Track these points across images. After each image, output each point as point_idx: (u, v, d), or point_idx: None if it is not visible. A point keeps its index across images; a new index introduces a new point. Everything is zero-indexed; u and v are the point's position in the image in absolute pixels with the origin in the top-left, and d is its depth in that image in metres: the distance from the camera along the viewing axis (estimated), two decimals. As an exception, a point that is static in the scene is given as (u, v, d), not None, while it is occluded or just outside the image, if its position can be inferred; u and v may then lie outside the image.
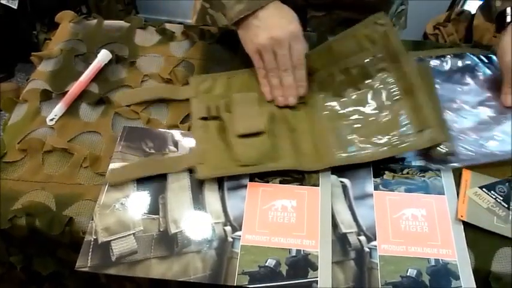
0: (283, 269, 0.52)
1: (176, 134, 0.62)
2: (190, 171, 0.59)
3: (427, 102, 0.59)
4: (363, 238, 0.54)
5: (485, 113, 0.66)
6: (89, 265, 0.51)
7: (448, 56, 0.71)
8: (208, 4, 0.86)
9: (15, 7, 1.67)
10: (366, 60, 0.64)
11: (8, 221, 0.54)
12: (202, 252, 0.52)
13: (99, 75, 0.69)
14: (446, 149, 0.58)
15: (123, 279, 0.60)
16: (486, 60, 0.72)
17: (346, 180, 0.58)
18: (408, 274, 0.51)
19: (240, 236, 0.54)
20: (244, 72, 0.69)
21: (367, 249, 0.53)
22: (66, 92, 0.66)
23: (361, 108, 0.63)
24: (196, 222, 0.55)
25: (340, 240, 0.54)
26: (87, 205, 0.56)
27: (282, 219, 0.55)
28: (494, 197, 0.57)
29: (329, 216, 0.55)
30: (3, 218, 0.54)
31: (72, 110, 0.65)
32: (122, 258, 0.52)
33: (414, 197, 0.58)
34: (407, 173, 0.60)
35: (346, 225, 0.55)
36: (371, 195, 0.57)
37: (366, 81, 0.64)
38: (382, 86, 0.63)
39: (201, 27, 0.77)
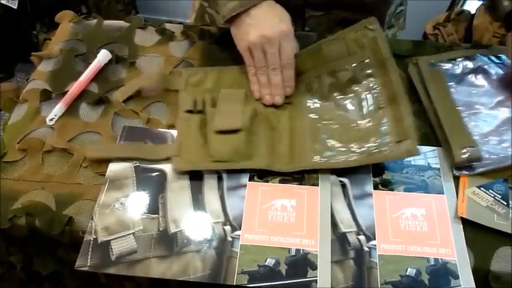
0: (283, 268, 0.52)
1: (176, 133, 0.62)
2: (191, 171, 0.59)
3: (409, 113, 0.58)
4: (362, 237, 0.54)
5: (504, 113, 0.65)
6: (88, 264, 0.51)
7: (459, 59, 0.71)
8: (206, 3, 0.86)
9: (15, 7, 1.67)
10: (353, 65, 0.64)
11: (8, 220, 0.54)
12: (201, 251, 0.52)
13: (99, 75, 0.69)
14: (471, 155, 0.58)
15: (122, 279, 0.60)
16: (497, 60, 0.72)
17: (345, 180, 0.59)
18: (407, 273, 0.52)
19: (239, 236, 0.54)
20: (235, 69, 0.70)
21: (366, 249, 0.53)
22: (66, 92, 0.66)
23: (344, 114, 0.63)
24: (195, 222, 0.55)
25: (340, 239, 0.54)
26: (87, 205, 0.56)
27: (282, 218, 0.55)
28: (492, 195, 0.57)
29: (328, 215, 0.56)
30: (3, 218, 0.54)
31: (72, 109, 0.65)
32: (122, 257, 0.52)
33: (414, 197, 0.58)
34: (407, 173, 0.60)
35: (346, 224, 0.55)
36: (370, 194, 0.58)
37: (352, 86, 0.64)
38: (367, 92, 0.63)
39: (201, 27, 0.77)
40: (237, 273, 0.51)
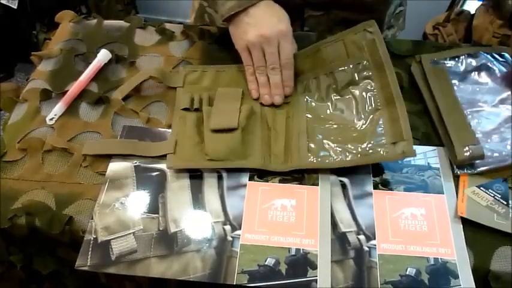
0: (283, 268, 0.52)
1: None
2: (191, 171, 0.59)
3: (405, 115, 0.58)
4: (362, 237, 0.54)
5: (507, 111, 0.65)
6: (88, 264, 0.51)
7: (462, 56, 0.71)
8: (206, 3, 0.86)
9: (15, 7, 1.67)
10: (351, 66, 0.64)
11: (8, 220, 0.54)
12: (201, 251, 0.52)
13: (99, 75, 0.69)
14: (473, 153, 0.58)
15: (122, 278, 0.60)
16: (500, 58, 0.72)
17: (345, 180, 0.59)
18: (407, 273, 0.52)
19: (239, 235, 0.54)
20: (233, 68, 0.70)
21: (366, 248, 0.53)
22: (66, 91, 0.66)
23: (341, 114, 0.63)
24: (195, 222, 0.55)
25: (340, 239, 0.54)
26: (87, 204, 0.56)
27: (282, 218, 0.55)
28: (492, 195, 0.57)
29: (328, 215, 0.56)
30: (3, 217, 0.54)
31: (72, 109, 0.65)
32: (122, 257, 0.52)
33: (413, 196, 0.58)
34: (407, 172, 0.60)
35: (346, 224, 0.55)
36: (370, 194, 0.58)
37: (349, 88, 0.64)
38: (364, 93, 0.63)
39: (201, 27, 0.77)
40: (237, 273, 0.51)
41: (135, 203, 0.56)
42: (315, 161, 0.59)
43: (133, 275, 0.51)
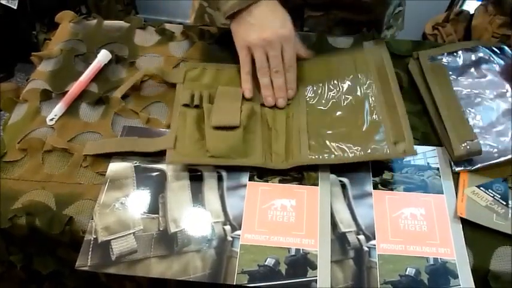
0: (283, 268, 0.52)
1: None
2: (191, 171, 0.59)
3: (406, 118, 0.60)
4: (362, 237, 0.54)
5: (505, 105, 0.65)
6: (88, 264, 0.51)
7: (460, 51, 0.71)
8: (206, 3, 0.86)
9: (15, 7, 1.67)
10: (358, 76, 0.67)
11: (8, 220, 0.54)
12: (201, 251, 0.53)
13: (99, 75, 0.70)
14: (471, 149, 0.58)
15: (122, 279, 0.60)
16: (498, 51, 0.71)
17: (345, 180, 0.59)
18: (407, 273, 0.52)
19: (239, 235, 0.54)
20: (234, 68, 0.70)
21: (366, 248, 0.53)
22: (66, 91, 0.66)
23: (342, 114, 0.64)
24: (195, 222, 0.55)
25: (340, 239, 0.54)
26: (87, 204, 0.56)
27: (282, 218, 0.55)
28: (492, 195, 0.57)
29: (328, 215, 0.56)
30: (4, 217, 0.54)
31: (72, 109, 0.65)
32: (122, 257, 0.52)
33: (413, 196, 0.58)
34: (406, 172, 0.60)
35: (346, 224, 0.55)
36: (370, 194, 0.58)
37: (352, 93, 0.66)
38: (366, 95, 0.64)
39: (201, 27, 0.77)
40: (237, 273, 0.51)
41: (135, 203, 0.56)
42: (315, 157, 0.59)
43: (133, 275, 0.51)
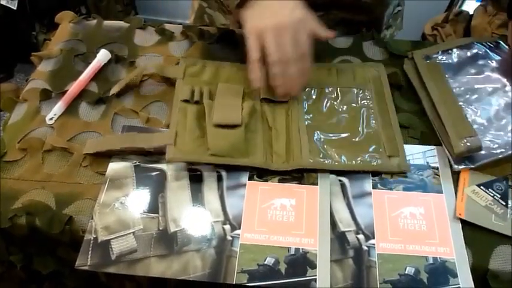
0: (282, 267, 0.52)
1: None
2: (190, 170, 0.59)
3: (400, 137, 0.62)
4: (361, 236, 0.54)
5: (503, 100, 0.65)
6: (88, 264, 0.51)
7: (455, 49, 0.71)
8: (206, 3, 0.86)
9: (15, 8, 1.67)
10: (355, 89, 0.68)
11: (8, 220, 0.54)
12: (201, 250, 0.53)
13: (99, 75, 0.70)
14: (471, 145, 0.58)
15: (122, 278, 0.60)
16: (494, 47, 0.71)
17: (344, 179, 0.59)
18: (406, 272, 0.52)
19: (239, 235, 0.54)
20: (233, 66, 0.70)
21: (365, 248, 0.53)
22: (66, 91, 0.66)
23: (340, 122, 0.64)
24: (195, 221, 0.55)
25: (339, 238, 0.54)
26: (87, 204, 0.56)
27: (281, 217, 0.56)
28: (492, 194, 0.57)
29: (328, 214, 0.56)
30: (4, 217, 0.54)
31: (71, 109, 0.65)
32: (122, 256, 0.52)
33: (412, 196, 0.58)
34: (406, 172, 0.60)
35: (345, 223, 0.55)
36: (369, 193, 0.58)
37: (351, 104, 0.66)
38: (362, 112, 0.65)
39: (200, 27, 0.77)
40: (237, 272, 0.51)
41: (135, 203, 0.56)
42: (316, 161, 0.59)
43: (133, 275, 0.51)
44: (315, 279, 0.51)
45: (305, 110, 0.65)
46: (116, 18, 0.81)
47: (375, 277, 0.51)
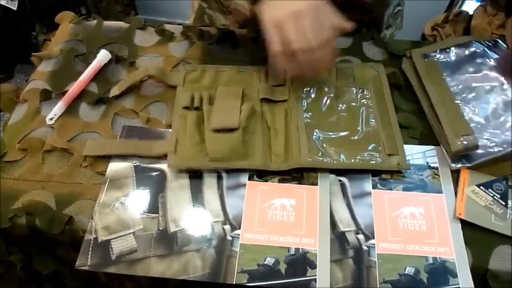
0: (282, 267, 0.52)
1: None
2: (190, 170, 0.59)
3: (400, 137, 0.62)
4: (361, 236, 0.54)
5: (501, 98, 0.65)
6: (88, 264, 0.51)
7: (452, 47, 0.71)
8: (206, 4, 0.86)
9: (15, 8, 1.67)
10: (354, 89, 0.67)
11: (8, 220, 0.54)
12: (201, 250, 0.53)
13: (99, 75, 0.70)
14: (468, 144, 0.58)
15: (122, 278, 0.60)
16: (492, 46, 0.71)
17: (344, 179, 0.59)
18: (406, 272, 0.52)
19: (239, 235, 0.54)
20: (234, 68, 0.70)
21: (365, 248, 0.53)
22: (66, 91, 0.66)
23: (339, 120, 0.64)
24: (195, 221, 0.55)
25: (339, 238, 0.54)
26: (87, 204, 0.56)
27: (281, 217, 0.56)
28: (491, 195, 0.57)
29: (328, 214, 0.56)
30: (4, 217, 0.54)
31: (71, 109, 0.65)
32: (122, 256, 0.52)
33: (412, 196, 0.58)
34: (406, 172, 0.60)
35: (345, 223, 0.55)
36: (369, 193, 0.58)
37: (351, 103, 0.66)
38: (362, 108, 0.65)
39: (200, 27, 0.78)
40: (237, 272, 0.51)
41: (135, 203, 0.56)
42: (314, 160, 0.59)
43: (133, 275, 0.51)
44: (315, 279, 0.51)
45: (304, 108, 0.65)
46: (115, 18, 0.81)
47: (375, 277, 0.51)
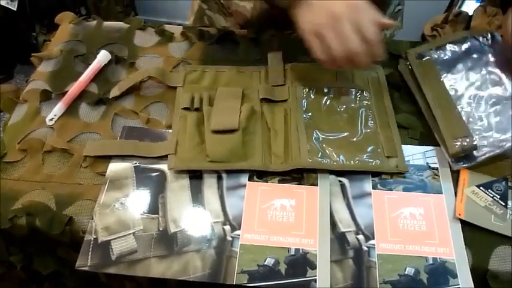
0: (282, 267, 0.52)
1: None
2: (190, 171, 0.59)
3: (398, 138, 0.63)
4: (361, 237, 0.54)
5: (502, 94, 0.64)
6: (89, 264, 0.51)
7: (448, 45, 0.70)
8: (206, 5, 0.86)
9: (15, 9, 1.67)
10: (353, 90, 0.68)
11: (9, 220, 0.54)
12: (201, 251, 0.53)
13: (99, 76, 0.70)
14: (465, 145, 0.58)
15: (123, 279, 0.60)
16: (489, 39, 0.70)
17: (344, 180, 0.59)
18: (406, 272, 0.52)
19: (239, 235, 0.54)
20: (232, 69, 0.70)
21: (365, 248, 0.53)
22: (66, 92, 0.66)
23: (338, 121, 0.64)
24: (195, 222, 0.55)
25: (339, 239, 0.54)
26: (87, 205, 0.56)
27: (281, 218, 0.56)
28: (491, 195, 0.57)
29: (328, 215, 0.56)
30: (4, 218, 0.54)
31: (71, 110, 0.65)
32: (122, 257, 0.52)
33: (412, 196, 0.58)
34: (406, 172, 0.60)
35: (345, 224, 0.55)
36: (369, 194, 0.58)
37: (350, 104, 0.66)
38: (361, 112, 0.65)
39: (200, 28, 0.78)
40: (237, 273, 0.51)
41: (135, 203, 0.56)
42: (314, 161, 0.59)
43: (133, 275, 0.51)
44: (315, 279, 0.51)
45: (304, 108, 0.65)
46: (115, 19, 0.81)
47: (375, 277, 0.51)
